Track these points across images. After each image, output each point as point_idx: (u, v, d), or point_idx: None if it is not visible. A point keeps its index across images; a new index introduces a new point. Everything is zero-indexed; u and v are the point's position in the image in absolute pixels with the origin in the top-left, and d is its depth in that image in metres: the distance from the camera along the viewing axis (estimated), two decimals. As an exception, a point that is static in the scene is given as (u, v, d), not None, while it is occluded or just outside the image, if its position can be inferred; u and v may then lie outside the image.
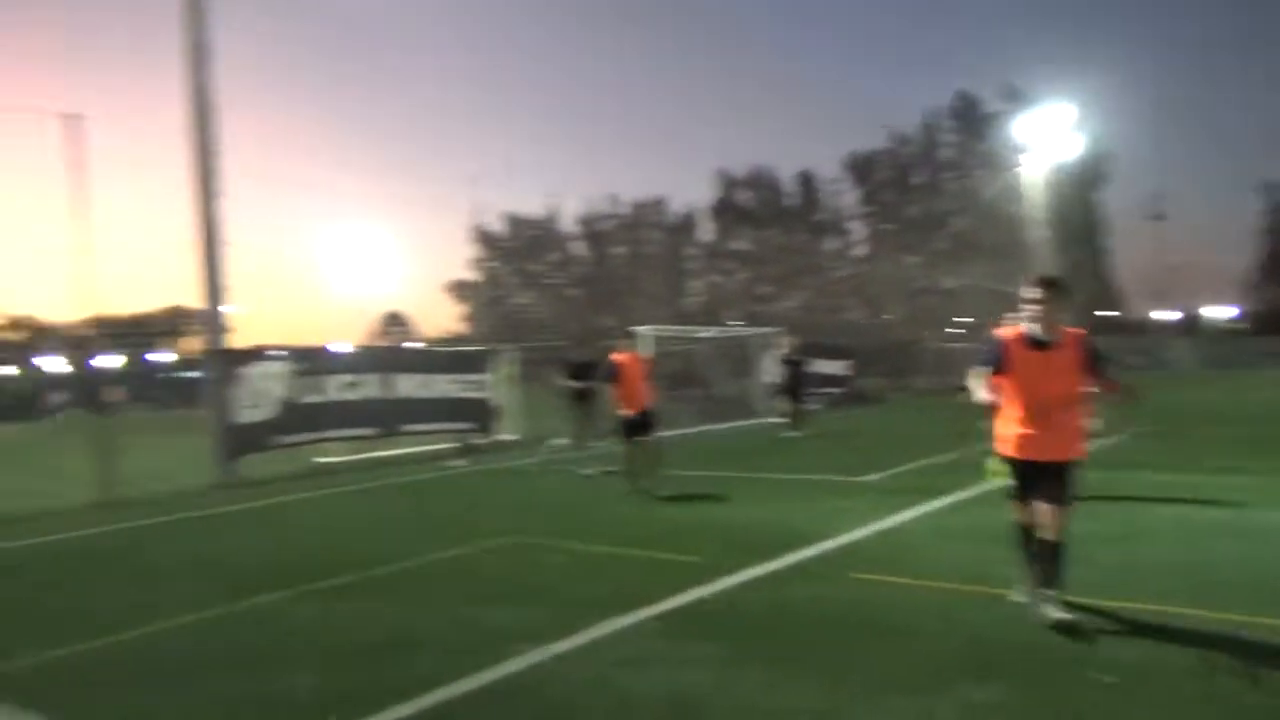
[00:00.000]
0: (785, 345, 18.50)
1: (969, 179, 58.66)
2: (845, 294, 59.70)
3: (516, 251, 63.55)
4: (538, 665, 4.40)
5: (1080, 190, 53.34)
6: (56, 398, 44.85)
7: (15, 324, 62.81)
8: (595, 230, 67.93)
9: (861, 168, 67.79)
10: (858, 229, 68.51)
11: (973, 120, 62.04)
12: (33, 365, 50.56)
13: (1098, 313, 54.42)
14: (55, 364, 49.65)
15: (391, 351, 22.71)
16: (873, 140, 74.29)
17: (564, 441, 15.85)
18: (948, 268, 52.53)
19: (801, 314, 53.04)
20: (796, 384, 17.35)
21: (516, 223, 63.87)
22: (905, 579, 5.62)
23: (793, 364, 17.54)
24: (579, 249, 66.46)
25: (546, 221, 63.78)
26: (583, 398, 17.48)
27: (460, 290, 65.07)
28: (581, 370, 14.85)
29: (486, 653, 4.58)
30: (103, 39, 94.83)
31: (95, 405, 13.67)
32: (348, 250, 42.67)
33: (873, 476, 10.25)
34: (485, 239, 62.91)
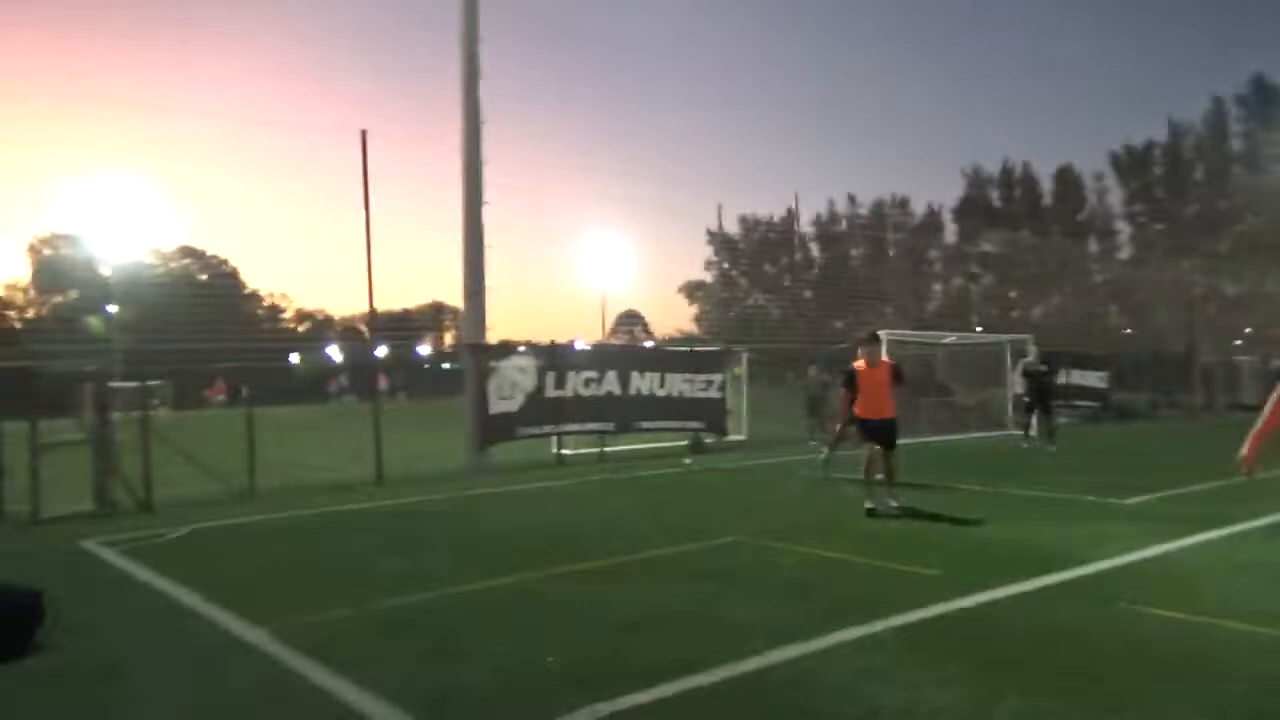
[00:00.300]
0: (1030, 354, 17.31)
1: (1262, 173, 52.16)
2: (1106, 300, 54.84)
3: (750, 253, 63.67)
4: (779, 665, 4.40)
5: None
6: (337, 383, 50.17)
7: (304, 316, 70.80)
8: (832, 231, 66.75)
9: (1131, 163, 62.04)
10: (1123, 230, 62.81)
11: (1268, 105, 55.05)
12: (321, 353, 56.83)
13: None
14: (336, 353, 55.60)
15: (629, 350, 23.50)
16: (1145, 133, 67.83)
17: (821, 445, 15.72)
18: (1231, 272, 47.01)
19: (1054, 320, 49.34)
20: (1043, 396, 16.28)
21: (751, 224, 63.99)
22: (1182, 613, 5.08)
23: (1037, 374, 16.47)
24: (815, 250, 65.57)
25: (780, 224, 63.43)
26: (818, 401, 17.27)
27: (694, 291, 66.12)
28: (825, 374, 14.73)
29: (727, 648, 4.63)
30: (386, 58, 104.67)
31: (369, 392, 15.15)
32: (591, 251, 44.55)
33: (1137, 499, 9.35)
34: (720, 240, 63.54)
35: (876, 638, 4.82)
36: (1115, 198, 63.04)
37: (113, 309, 36.10)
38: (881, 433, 9.11)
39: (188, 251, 61.67)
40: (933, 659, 4.42)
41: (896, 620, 5.11)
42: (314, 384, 48.80)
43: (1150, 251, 55.43)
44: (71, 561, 7.58)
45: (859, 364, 9.24)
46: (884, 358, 9.46)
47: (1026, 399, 16.78)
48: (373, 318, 13.86)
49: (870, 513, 8.69)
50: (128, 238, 37.03)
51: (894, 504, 8.83)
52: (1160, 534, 7.42)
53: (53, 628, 5.01)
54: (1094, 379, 23.33)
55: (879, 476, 9.15)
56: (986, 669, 4.26)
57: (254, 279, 63.46)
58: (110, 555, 7.74)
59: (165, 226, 72.37)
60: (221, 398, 42.03)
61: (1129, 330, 48.87)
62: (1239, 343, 40.66)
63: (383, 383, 44.11)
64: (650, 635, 4.95)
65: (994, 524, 8.16)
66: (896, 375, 9.25)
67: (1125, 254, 60.99)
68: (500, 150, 15.59)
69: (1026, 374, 16.80)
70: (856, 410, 9.25)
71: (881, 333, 17.61)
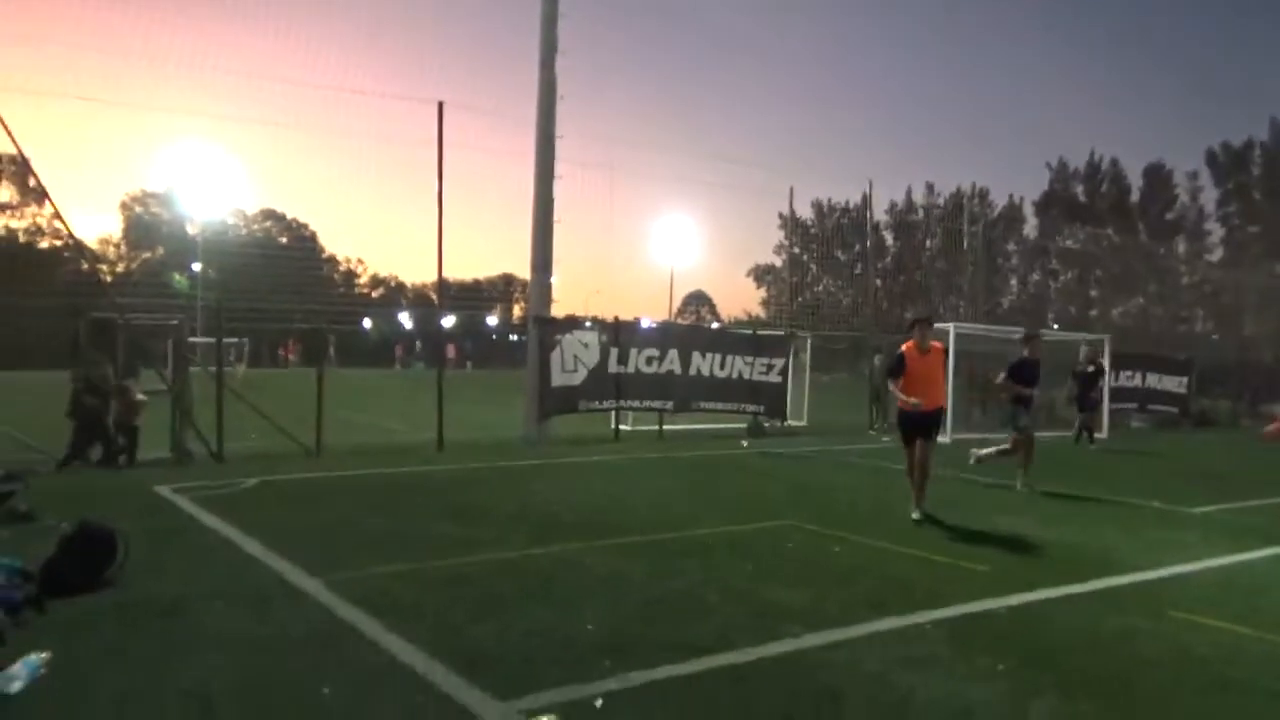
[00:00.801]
0: (1082, 355, 17.23)
1: (1370, 176, 49.55)
2: (1192, 303, 52.79)
3: (823, 238, 62.86)
4: (815, 649, 4.42)
5: None
6: (403, 350, 51.29)
7: (378, 282, 72.29)
8: (907, 220, 65.49)
9: (1229, 162, 59.40)
10: (1214, 231, 60.28)
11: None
12: (392, 320, 58.02)
13: None
14: (407, 320, 56.73)
15: (692, 330, 23.52)
16: (1245, 133, 64.79)
17: (881, 434, 15.55)
18: (1332, 279, 44.85)
19: (1134, 322, 47.70)
20: (1084, 395, 16.66)
21: (826, 209, 63.13)
22: (1239, 626, 4.94)
23: (1083, 375, 16.68)
24: (889, 239, 64.47)
25: (855, 210, 62.46)
26: (881, 390, 17.17)
27: (763, 275, 65.66)
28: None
29: (764, 629, 4.66)
30: (468, 31, 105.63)
31: (437, 359, 15.47)
32: (662, 230, 44.54)
33: (1207, 508, 9.05)
34: (792, 225, 62.88)
35: (918, 629, 4.80)
36: (1209, 197, 60.48)
37: (197, 267, 37.42)
38: (927, 424, 8.34)
39: (270, 214, 63.42)
40: (972, 653, 4.38)
41: (939, 613, 5.07)
42: (385, 349, 50.07)
43: (1243, 254, 53.13)
44: (147, 505, 7.96)
45: (908, 347, 8.43)
46: (935, 342, 8.50)
47: (1074, 398, 17.09)
48: (441, 287, 14.14)
49: (918, 522, 7.93)
50: (214, 199, 38.34)
51: (914, 514, 8.05)
52: (1224, 545, 7.20)
53: (124, 565, 5.29)
54: (1172, 384, 22.52)
55: (916, 469, 8.31)
56: (1026, 666, 4.22)
57: (332, 244, 64.91)
58: (183, 501, 8.10)
59: (250, 190, 74.46)
60: (293, 358, 43.45)
61: (1215, 336, 47.02)
62: (1334, 354, 38.78)
63: (450, 351, 45.23)
64: (688, 611, 5.01)
65: (1053, 524, 8.00)
66: (946, 356, 8.88)
67: (1216, 256, 58.60)
68: (574, 125, 15.62)
69: (1074, 374, 17.02)
70: (903, 396, 8.34)
71: (950, 325, 17.47)
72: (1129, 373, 21.50)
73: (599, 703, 3.66)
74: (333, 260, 67.47)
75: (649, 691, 3.82)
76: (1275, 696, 3.96)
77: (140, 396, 10.86)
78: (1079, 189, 65.36)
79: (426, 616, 4.75)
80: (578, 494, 9.12)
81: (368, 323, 49.45)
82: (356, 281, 70.69)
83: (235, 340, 29.69)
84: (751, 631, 4.64)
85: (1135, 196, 63.74)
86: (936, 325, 18.11)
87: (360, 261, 70.82)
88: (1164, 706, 3.79)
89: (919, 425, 8.33)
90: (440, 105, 13.78)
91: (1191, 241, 61.13)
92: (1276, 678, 4.18)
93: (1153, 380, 22.08)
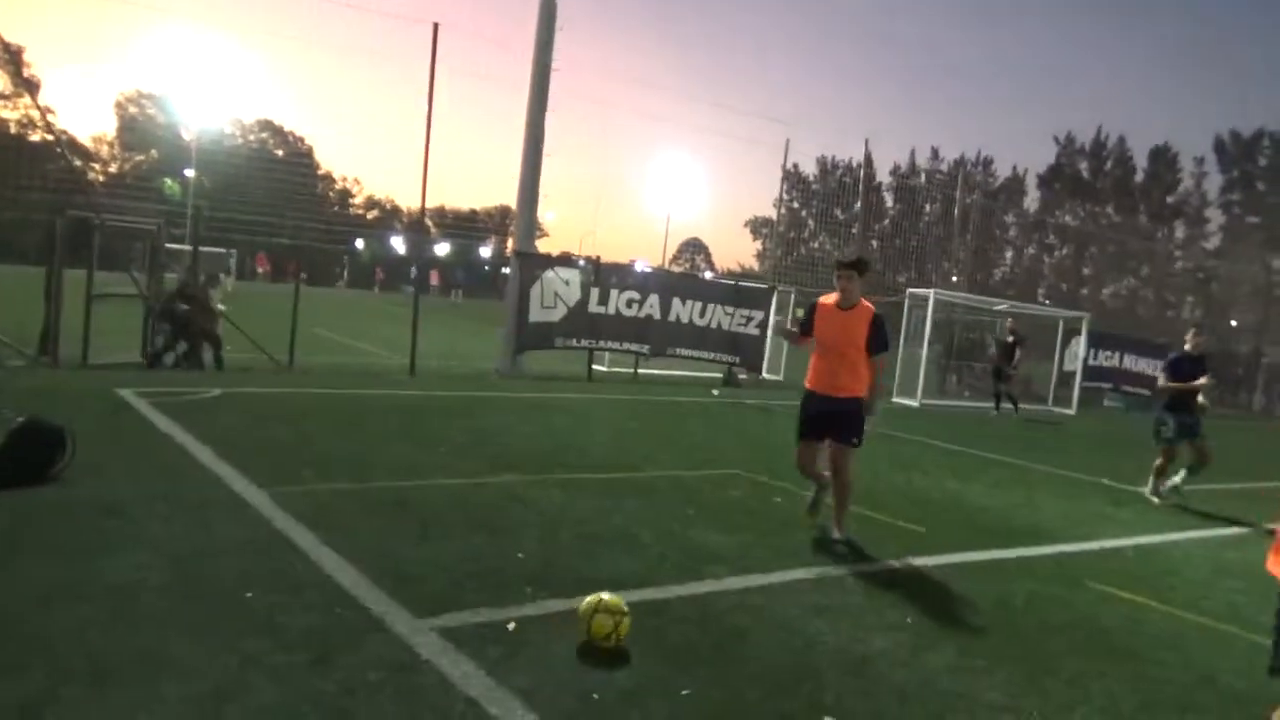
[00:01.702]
0: (1005, 325, 17.75)
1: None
2: (1183, 289, 52.94)
3: (823, 195, 62.47)
4: (734, 591, 4.55)
5: None
6: (387, 273, 51.07)
7: (373, 204, 71.64)
8: (909, 183, 65.04)
9: (1235, 150, 59.03)
10: (1215, 218, 60.14)
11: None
12: (384, 242, 57.65)
13: None
14: (398, 244, 56.38)
15: (677, 276, 23.46)
16: (1257, 122, 64.18)
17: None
18: (1323, 276, 45.01)
19: (1122, 303, 47.84)
20: (1005, 363, 17.14)
21: (829, 166, 62.65)
22: (1150, 601, 5.11)
23: (1007, 346, 17.16)
24: (889, 201, 64.08)
25: (858, 169, 61.97)
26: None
27: (759, 227, 65.37)
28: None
29: (689, 570, 4.80)
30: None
31: (418, 286, 15.45)
32: (662, 176, 44.14)
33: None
34: (793, 179, 62.43)
35: (838, 580, 4.94)
36: (1212, 184, 60.24)
37: (190, 173, 36.97)
38: (831, 418, 5.66)
39: (267, 126, 62.53)
40: (885, 607, 4.53)
41: (864, 568, 5.23)
42: (369, 272, 49.96)
43: (1240, 244, 53.14)
44: (107, 407, 8.03)
45: (825, 300, 5.81)
46: (864, 300, 5.71)
47: (995, 367, 17.56)
48: (423, 212, 14.03)
49: (835, 543, 5.66)
50: (211, 106, 37.74)
51: (837, 535, 5.70)
52: (1159, 524, 7.39)
53: (70, 463, 5.38)
54: (1148, 366, 22.70)
55: (824, 488, 5.92)
56: (932, 622, 4.37)
57: (329, 161, 64.27)
58: (141, 405, 8.17)
59: (248, 99, 73.12)
60: (264, 269, 43.44)
61: (1203, 323, 47.20)
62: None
63: (434, 279, 45.16)
64: (621, 547, 5.14)
65: (999, 492, 8.17)
66: (875, 335, 5.60)
67: (1212, 244, 58.58)
68: (575, 63, 15.45)
69: (995, 342, 17.59)
70: (808, 375, 5.87)
71: (930, 291, 17.53)
72: (1108, 353, 21.67)
73: (512, 625, 3.78)
74: (329, 178, 66.79)
75: (564, 619, 3.94)
76: (1164, 665, 4.12)
77: (220, 306, 12.20)
78: (1084, 165, 64.97)
79: (362, 534, 4.87)
80: (539, 429, 9.22)
81: (360, 244, 49.17)
82: (351, 201, 70.08)
83: (221, 251, 29.50)
84: (677, 571, 4.78)
85: (1139, 177, 63.44)
86: (918, 291, 18.36)
87: (357, 181, 70.16)
88: (1055, 667, 3.94)
89: (818, 418, 5.72)
90: (435, 26, 13.57)
91: (1190, 227, 61.05)
92: (1171, 649, 4.35)
93: (1130, 362, 22.26)
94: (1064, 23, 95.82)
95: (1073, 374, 20.15)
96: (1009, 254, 63.34)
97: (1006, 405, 17.11)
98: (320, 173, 63.83)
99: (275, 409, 8.93)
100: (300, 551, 4.49)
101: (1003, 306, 20.44)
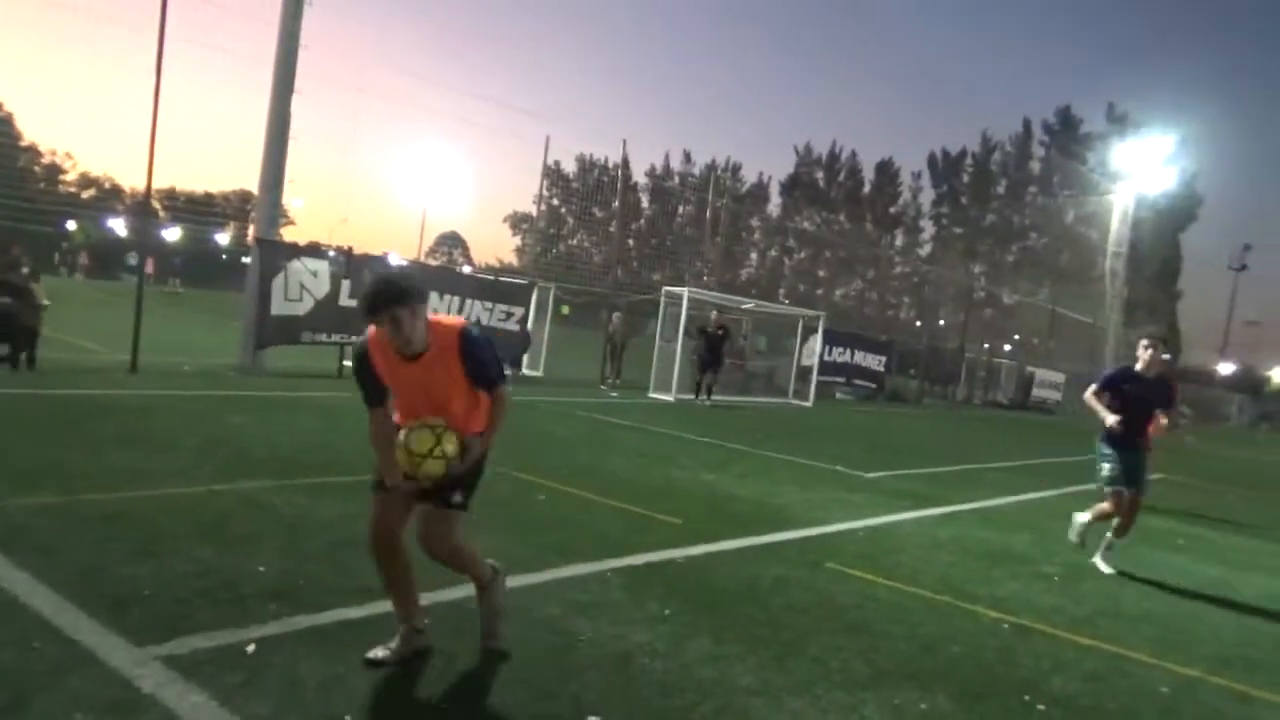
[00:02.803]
0: (713, 317, 18.40)
1: (1054, 197, 57.20)
2: (901, 291, 58.84)
3: (583, 193, 63.40)
4: (492, 594, 4.44)
5: (1165, 227, 51.66)
6: (92, 259, 46.05)
7: (89, 181, 64.26)
8: (663, 185, 67.52)
9: (943, 167, 66.32)
10: (928, 228, 67.25)
11: (1070, 138, 60.24)
12: (102, 225, 51.82)
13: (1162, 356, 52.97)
14: (119, 226, 50.91)
15: (434, 270, 22.86)
16: (961, 141, 72.35)
17: (612, 389, 15.91)
18: (1011, 283, 51.52)
19: (852, 302, 52.39)
20: (714, 357, 17.70)
21: (588, 165, 63.60)
22: (878, 578, 5.57)
23: (716, 337, 17.76)
24: (645, 201, 66.16)
25: (614, 169, 63.54)
26: (617, 348, 17.74)
27: (519, 223, 65.28)
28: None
29: (448, 574, 4.61)
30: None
31: (142, 273, 13.92)
32: (417, 167, 42.84)
33: (877, 474, 10.15)
34: (553, 176, 62.84)
35: (600, 576, 4.97)
36: (927, 197, 67.32)
37: None
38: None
39: (-49, 87, 54.16)
40: (645, 601, 4.61)
41: (625, 562, 5.29)
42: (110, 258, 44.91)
43: (948, 252, 59.79)
44: None
45: (374, 335, 3.45)
46: (448, 322, 3.48)
47: (697, 357, 17.94)
48: (149, 193, 12.68)
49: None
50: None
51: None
52: (884, 506, 8.10)
53: None
54: (874, 361, 24.99)
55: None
56: (689, 612, 4.49)
57: (35, 132, 56.79)
58: None
59: (-72, 54, 63.34)
60: None
61: (919, 323, 52.66)
62: (1007, 347, 44.74)
63: (149, 266, 41.08)
64: (367, 555, 4.86)
65: (747, 481, 8.61)
66: (469, 358, 3.43)
67: (926, 250, 65.46)
68: (327, 44, 14.55)
69: (703, 333, 17.84)
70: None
71: (684, 290, 18.22)
72: (840, 349, 23.59)
73: (251, 648, 3.46)
74: (33, 150, 58.99)
75: (311, 636, 3.67)
76: (892, 637, 4.49)
77: (45, 301, 11.32)
78: (820, 175, 70.40)
79: (69, 554, 4.28)
80: (281, 430, 8.61)
81: (71, 225, 43.85)
82: (62, 178, 62.42)
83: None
84: (436, 576, 4.58)
85: (867, 188, 69.67)
86: (673, 290, 19.06)
87: (69, 155, 62.61)
88: (800, 646, 4.18)
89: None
90: (163, -12, 12.29)
91: (908, 235, 67.87)
92: (895, 621, 4.75)
93: (859, 358, 24.38)
94: (803, 41, 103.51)
95: (810, 369, 21.75)
96: (754, 255, 67.42)
97: (711, 393, 17.75)
98: (23, 144, 56.27)
99: (-40, 413, 7.72)
100: (-11, 579, 3.87)
101: (749, 305, 21.67)
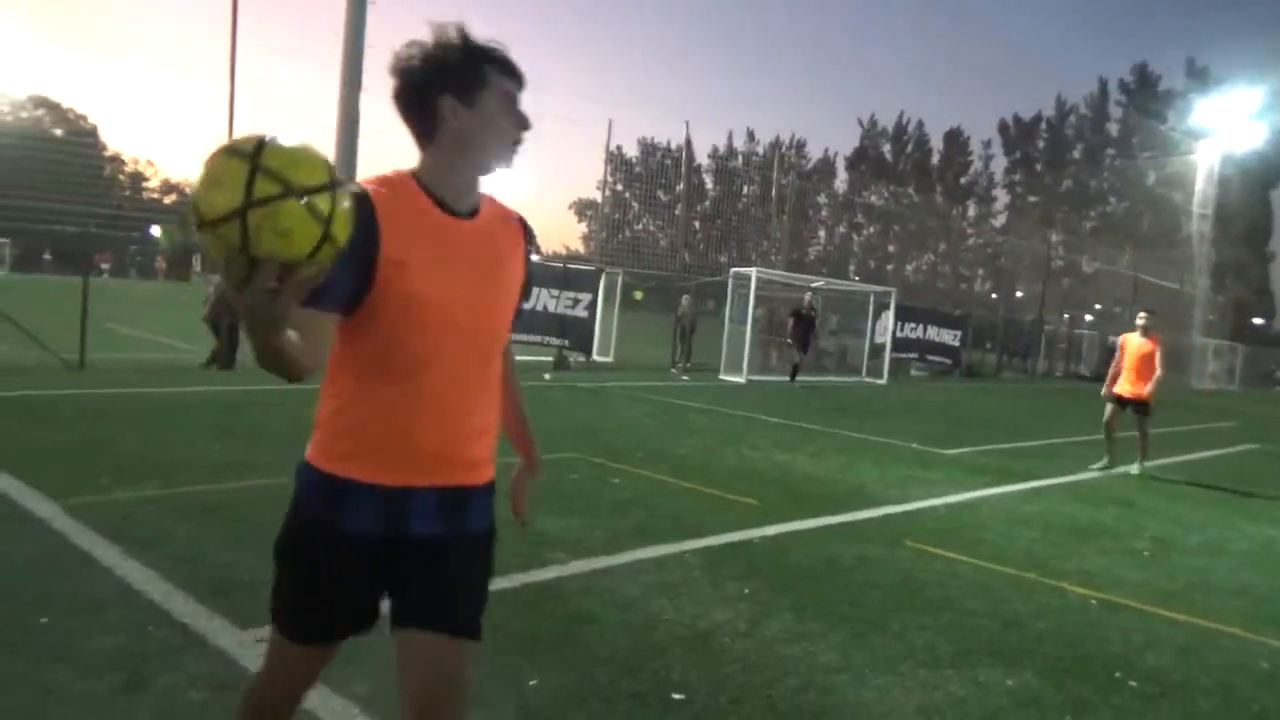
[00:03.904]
0: (806, 300, 18.40)
1: (1133, 159, 55.16)
2: (975, 263, 57.46)
3: (645, 177, 63.40)
4: (578, 575, 4.53)
5: (1254, 186, 49.37)
6: (199, 261, 47.84)
7: (170, 187, 66.61)
8: (728, 165, 67.02)
9: (1016, 134, 64.43)
10: (1001, 197, 65.48)
11: (1148, 97, 57.87)
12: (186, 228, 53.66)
13: (1253, 320, 50.79)
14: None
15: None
16: (1035, 107, 70.14)
17: (682, 372, 15.92)
18: (1092, 250, 49.86)
19: (925, 277, 51.39)
20: (805, 337, 17.77)
21: (649, 148, 63.50)
22: (961, 555, 5.50)
23: (806, 318, 17.81)
24: (709, 182, 65.80)
25: (678, 151, 63.34)
26: (688, 331, 17.75)
27: (584, 210, 65.60)
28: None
29: (533, 557, 4.73)
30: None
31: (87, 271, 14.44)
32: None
33: (956, 450, 9.98)
34: (616, 161, 62.93)
35: (679, 558, 5.02)
36: (999, 165, 65.51)
37: (-52, 154, 32.97)
38: (421, 570, 1.87)
39: (42, 102, 56.65)
40: (724, 580, 4.65)
41: (703, 543, 5.33)
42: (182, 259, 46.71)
43: (1023, 221, 58.13)
44: None
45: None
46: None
47: (789, 341, 18.02)
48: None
49: None
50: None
51: None
52: (965, 483, 7.97)
53: None
54: (949, 337, 24.51)
55: None
56: (768, 591, 4.52)
57: (118, 141, 59.16)
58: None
59: (19, 74, 66.28)
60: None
61: (994, 295, 51.38)
62: (1089, 317, 43.38)
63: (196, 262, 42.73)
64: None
65: (822, 461, 8.57)
66: (529, 259, 2.04)
67: (1000, 221, 63.77)
68: (388, 38, 14.84)
69: (800, 316, 17.87)
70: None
71: (752, 271, 18.14)
72: (913, 325, 23.21)
73: (347, 629, 3.61)
74: (117, 160, 61.44)
75: (402, 618, 3.80)
76: (975, 614, 4.44)
77: None
78: (886, 148, 69.05)
79: (174, 544, 4.50)
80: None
81: (156, 230, 45.54)
82: (145, 185, 64.88)
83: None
84: (520, 559, 4.70)
85: (936, 159, 68.11)
86: (741, 271, 19.02)
87: (150, 163, 65.03)
88: (881, 624, 4.17)
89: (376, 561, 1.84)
90: (235, -2, 12.70)
91: (980, 205, 66.20)
92: (978, 599, 4.69)
93: (932, 333, 23.94)
94: (865, 12, 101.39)
95: (882, 346, 21.44)
96: (821, 233, 66.56)
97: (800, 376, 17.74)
98: (108, 154, 58.64)
99: (65, 412, 8.13)
100: (102, 568, 4.10)
101: (819, 284, 21.45)
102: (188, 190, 66.13)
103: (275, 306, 1.34)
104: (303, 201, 1.28)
